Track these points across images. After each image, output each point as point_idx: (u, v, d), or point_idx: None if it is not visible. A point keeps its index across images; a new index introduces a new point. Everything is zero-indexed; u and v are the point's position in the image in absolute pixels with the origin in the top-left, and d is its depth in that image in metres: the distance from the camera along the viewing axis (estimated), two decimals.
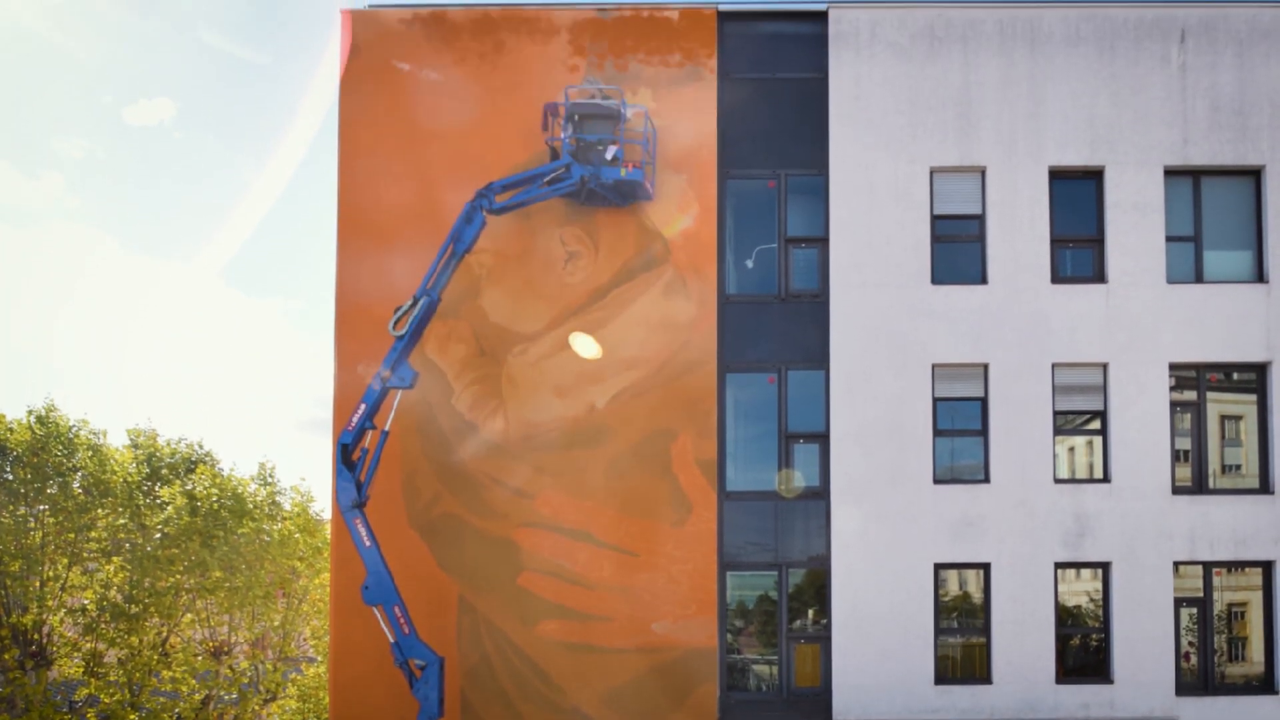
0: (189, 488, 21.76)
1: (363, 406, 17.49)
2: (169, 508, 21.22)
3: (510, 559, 19.31)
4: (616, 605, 19.22)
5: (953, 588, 19.52)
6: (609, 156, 17.95)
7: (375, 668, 19.24)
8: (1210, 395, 19.43)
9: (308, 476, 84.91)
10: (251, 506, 22.62)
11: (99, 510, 20.92)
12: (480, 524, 19.36)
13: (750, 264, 19.68)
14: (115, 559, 21.36)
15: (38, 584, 20.18)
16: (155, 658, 21.39)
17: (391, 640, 17.25)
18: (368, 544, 17.31)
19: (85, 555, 21.10)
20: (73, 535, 20.69)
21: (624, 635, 19.20)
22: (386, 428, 17.63)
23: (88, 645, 21.08)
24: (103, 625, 20.31)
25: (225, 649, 23.23)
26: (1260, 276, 19.36)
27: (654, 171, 19.07)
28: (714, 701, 19.16)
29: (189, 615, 22.54)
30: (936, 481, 19.13)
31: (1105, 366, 19.18)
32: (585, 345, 19.20)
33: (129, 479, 21.45)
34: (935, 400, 19.24)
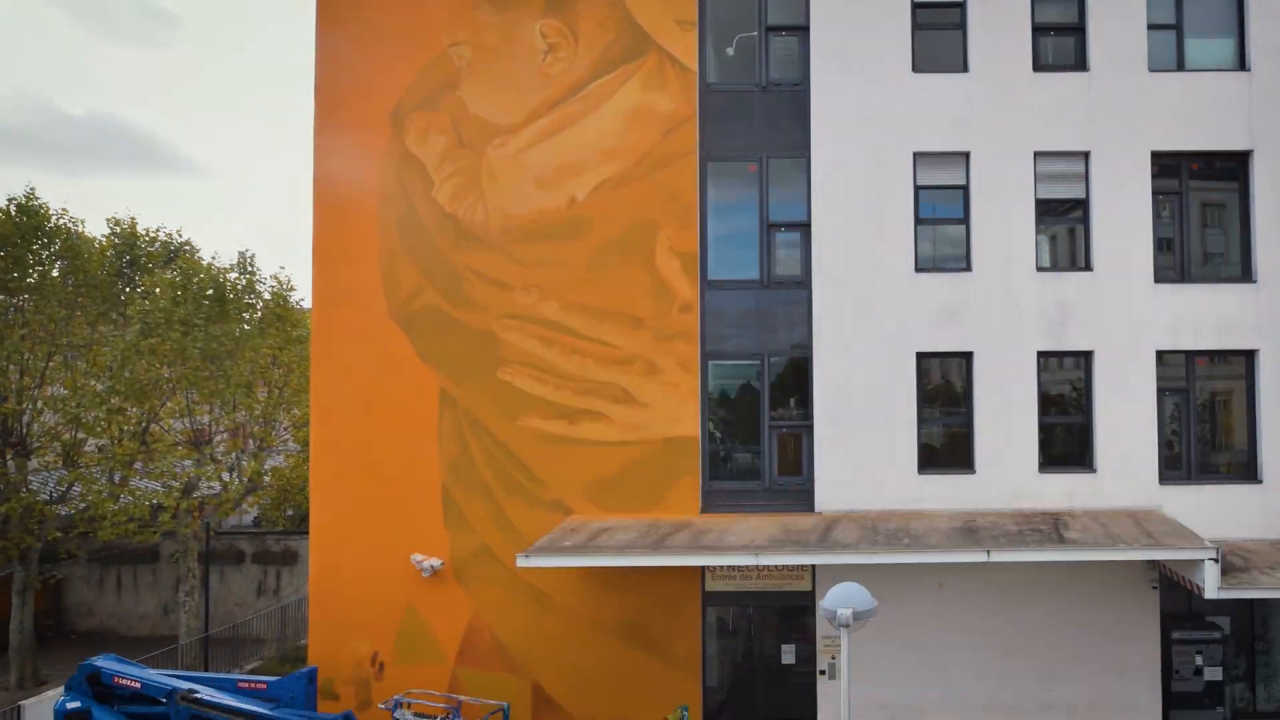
0: (172, 276, 21.63)
1: None
2: (149, 299, 21.03)
3: (491, 351, 19.23)
4: (597, 397, 19.13)
5: (935, 377, 19.45)
6: None
7: (354, 460, 19.16)
8: (1192, 183, 19.36)
9: (287, 265, 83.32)
10: (231, 296, 22.47)
11: (79, 300, 20.73)
12: (461, 316, 19.28)
13: (731, 53, 19.60)
14: (95, 348, 21.21)
15: (17, 374, 20.02)
16: (136, 448, 21.26)
17: None
18: None
19: (66, 344, 20.93)
20: (53, 326, 20.56)
21: (604, 428, 19.11)
22: None
23: (67, 436, 20.95)
24: (82, 414, 20.18)
25: (205, 439, 23.10)
26: (1242, 64, 19.29)
27: None
28: (696, 493, 19.10)
29: (169, 405, 22.44)
30: (918, 270, 19.05)
31: (1087, 155, 19.10)
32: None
33: (109, 267, 21.26)
34: (917, 189, 19.15)
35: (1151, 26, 19.27)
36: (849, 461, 18.89)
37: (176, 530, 22.35)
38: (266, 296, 23.73)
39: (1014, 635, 18.92)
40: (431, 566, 19.00)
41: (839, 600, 11.84)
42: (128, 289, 21.79)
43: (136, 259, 22.26)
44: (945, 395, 19.43)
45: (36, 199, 20.32)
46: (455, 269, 19.27)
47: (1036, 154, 19.07)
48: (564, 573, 18.79)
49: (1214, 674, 19.03)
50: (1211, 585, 16.20)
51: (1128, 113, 19.03)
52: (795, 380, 19.40)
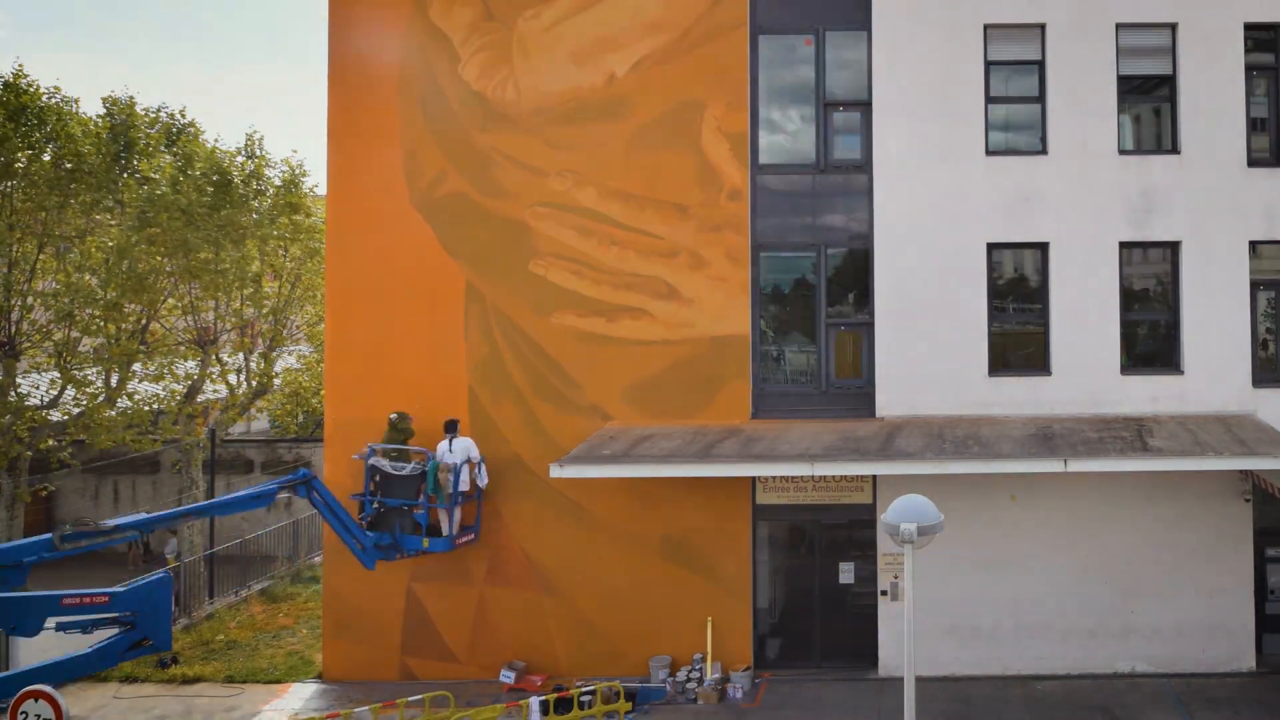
0: (172, 160, 19.94)
1: None
2: (146, 185, 19.29)
3: (522, 242, 17.69)
4: (637, 293, 17.58)
5: (1008, 270, 17.96)
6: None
7: (373, 360, 17.62)
8: None
9: (300, 148, 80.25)
10: (238, 181, 20.75)
11: (73, 185, 19.04)
12: (489, 204, 17.73)
13: None
14: (90, 238, 19.54)
15: (5, 267, 18.36)
16: (135, 347, 19.63)
17: None
18: None
19: (58, 235, 19.28)
20: (43, 214, 18.93)
21: (646, 326, 17.58)
22: None
23: (59, 335, 19.34)
24: (76, 311, 18.56)
25: (210, 337, 21.47)
26: None
27: (476, 526, 17.14)
28: (746, 397, 17.55)
29: (171, 300, 20.79)
30: (989, 153, 17.54)
31: (1174, 27, 17.57)
32: None
33: (105, 150, 19.54)
34: (988, 64, 17.61)
35: None
36: (913, 362, 17.41)
37: (179, 437, 20.76)
38: (276, 183, 22.03)
39: (1093, 553, 17.43)
40: None
41: (902, 514, 10.71)
42: (124, 174, 20.10)
43: (134, 141, 20.55)
44: (1018, 290, 18.01)
45: (25, 75, 18.73)
46: (483, 152, 17.71)
47: (1119, 25, 17.60)
48: (602, 484, 17.24)
49: None
50: None
51: None
52: (854, 274, 17.86)
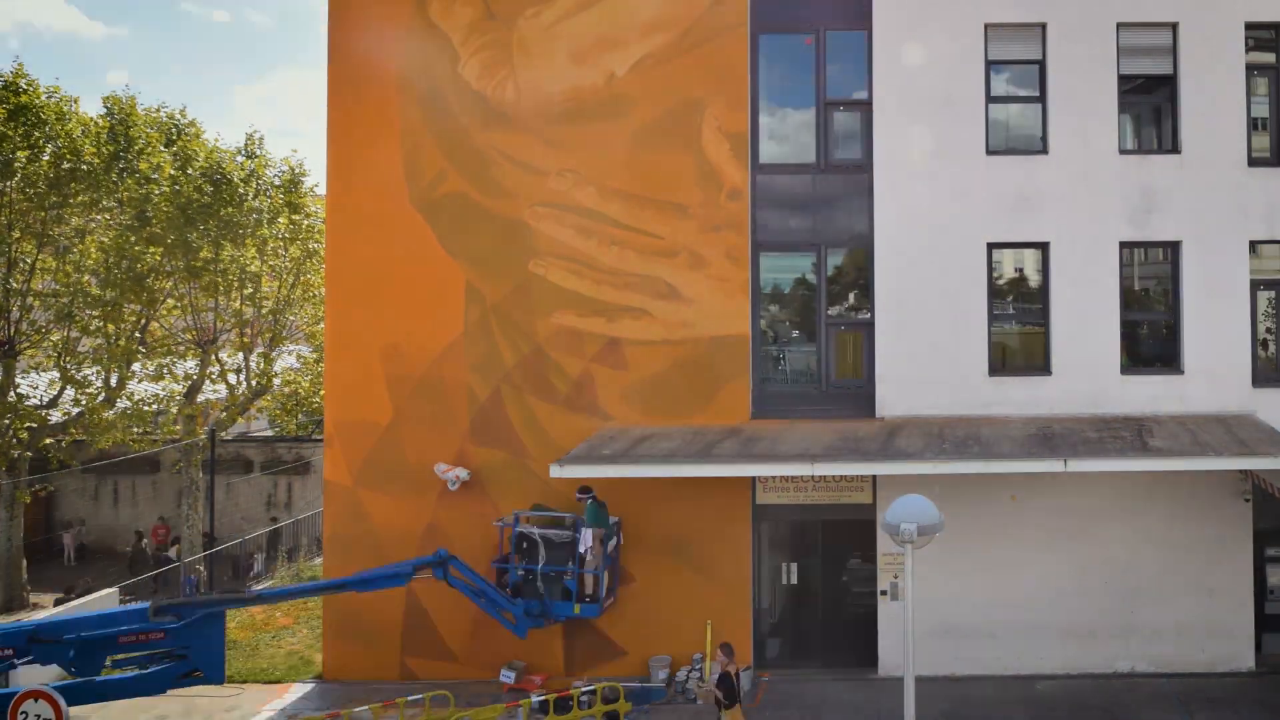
0: (174, 160, 19.93)
1: None
2: (145, 185, 19.25)
3: (521, 242, 17.65)
4: (637, 293, 17.55)
5: (1008, 270, 17.92)
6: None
7: (373, 360, 17.60)
8: None
9: (299, 148, 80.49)
10: (238, 181, 20.70)
11: (73, 185, 18.99)
12: (489, 204, 17.69)
13: None
14: (89, 238, 19.52)
15: (4, 267, 18.32)
16: (134, 347, 19.60)
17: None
18: None
19: (56, 235, 19.22)
20: (43, 214, 18.87)
21: (646, 326, 17.54)
22: None
23: (58, 335, 19.27)
24: (76, 311, 18.50)
25: (210, 337, 21.42)
26: None
27: (615, 587, 17.11)
28: (746, 397, 17.52)
29: (170, 300, 20.74)
30: (990, 153, 17.48)
31: (1175, 26, 17.51)
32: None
33: (105, 149, 19.50)
34: (988, 63, 17.56)
35: None
36: (913, 362, 17.35)
37: (179, 437, 20.71)
38: (276, 183, 21.95)
39: (1093, 553, 17.38)
40: (458, 478, 17.44)
41: (902, 514, 10.85)
42: (124, 174, 20.00)
43: (133, 140, 20.43)
44: (1019, 290, 17.98)
45: (25, 75, 18.67)
46: (483, 152, 17.67)
47: (1120, 25, 17.54)
48: (601, 484, 17.09)
49: None
50: None
51: None
52: (855, 274, 17.85)
